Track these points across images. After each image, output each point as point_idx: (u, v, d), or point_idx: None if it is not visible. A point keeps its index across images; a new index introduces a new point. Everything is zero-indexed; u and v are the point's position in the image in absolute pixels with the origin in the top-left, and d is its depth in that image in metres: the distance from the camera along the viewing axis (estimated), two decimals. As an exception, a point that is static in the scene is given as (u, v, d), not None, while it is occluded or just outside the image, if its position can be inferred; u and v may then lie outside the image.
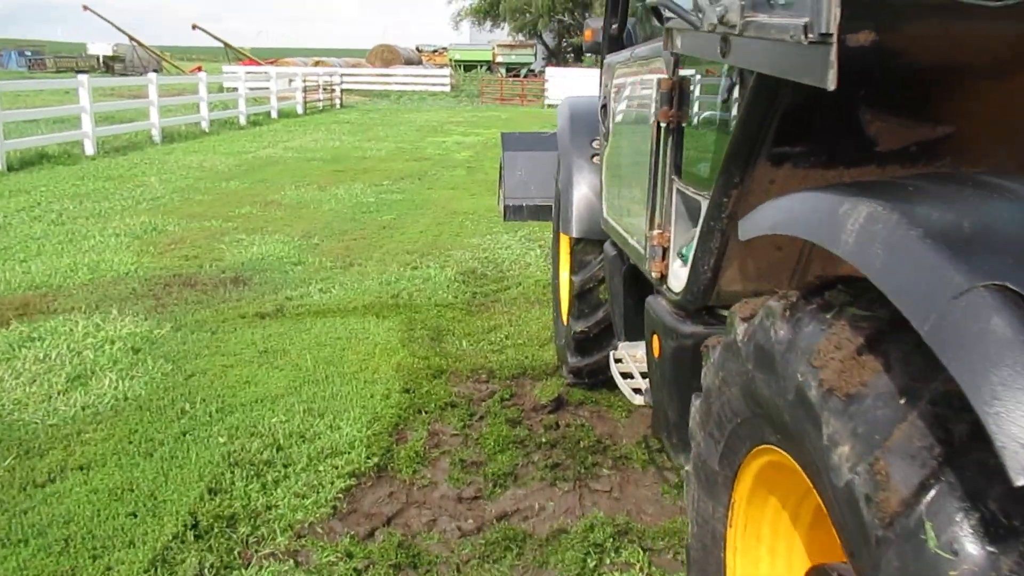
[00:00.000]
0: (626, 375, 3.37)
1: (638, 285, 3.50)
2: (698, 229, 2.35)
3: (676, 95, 2.51)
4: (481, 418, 4.24)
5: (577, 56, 51.82)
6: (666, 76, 2.53)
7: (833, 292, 1.56)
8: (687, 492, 2.26)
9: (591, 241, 4.09)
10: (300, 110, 26.44)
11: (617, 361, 3.51)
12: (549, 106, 33.42)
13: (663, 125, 2.57)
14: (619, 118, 3.39)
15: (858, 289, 1.56)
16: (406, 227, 9.00)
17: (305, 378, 4.62)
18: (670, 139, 2.57)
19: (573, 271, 4.21)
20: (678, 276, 2.58)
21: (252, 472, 3.59)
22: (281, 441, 3.87)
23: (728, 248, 2.28)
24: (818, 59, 1.35)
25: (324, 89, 30.13)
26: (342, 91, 31.73)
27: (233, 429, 3.99)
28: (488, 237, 8.46)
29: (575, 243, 4.14)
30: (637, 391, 3.18)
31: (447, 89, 38.90)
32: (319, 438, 3.91)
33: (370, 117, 25.97)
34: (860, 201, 1.36)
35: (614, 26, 3.71)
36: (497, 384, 4.67)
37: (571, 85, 34.79)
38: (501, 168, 9.78)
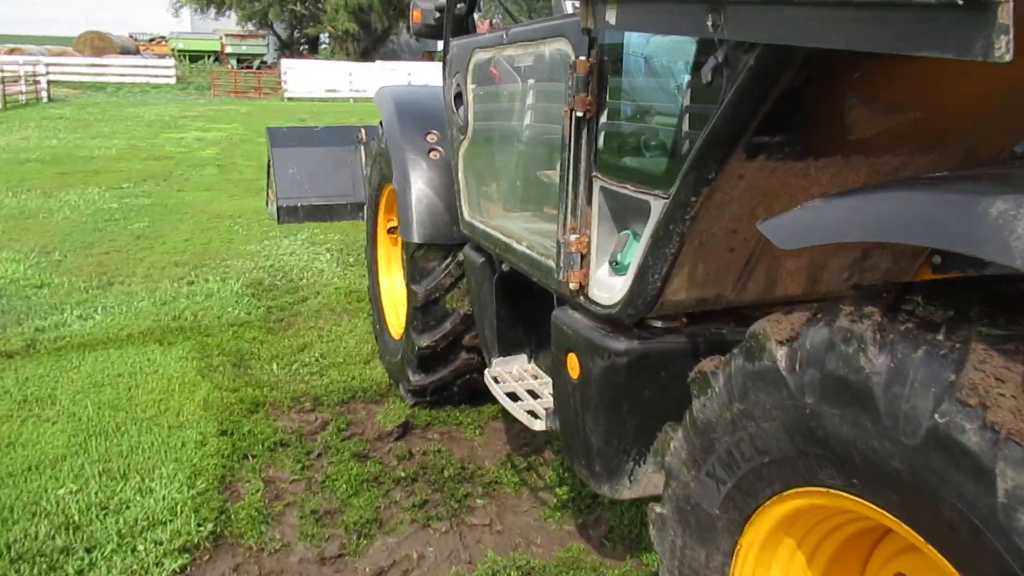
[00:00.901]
0: (512, 396, 3.00)
1: (514, 295, 3.15)
2: (648, 232, 2.03)
3: (594, 80, 2.18)
4: (320, 455, 3.67)
5: (312, 48, 50.09)
6: (583, 59, 2.19)
7: (919, 306, 1.32)
8: (659, 537, 1.95)
9: (436, 247, 3.68)
10: (-1, 105, 23.07)
11: (495, 381, 3.13)
12: (289, 99, 31.97)
13: (579, 115, 2.23)
14: (487, 108, 3.01)
15: (944, 299, 1.33)
16: (166, 235, 7.94)
17: (90, 430, 3.76)
18: (588, 131, 2.23)
19: (413, 279, 3.77)
20: (607, 286, 2.26)
21: (45, 566, 2.80)
22: (77, 517, 3.07)
23: (683, 253, 2.00)
24: (974, 22, 1.07)
25: (26, 81, 26.52)
26: (48, 83, 28.14)
27: (5, 510, 3.11)
28: (266, 243, 7.68)
29: (416, 249, 3.70)
30: (533, 414, 2.83)
31: (172, 81, 35.94)
32: (128, 507, 3.15)
33: (88, 112, 23.21)
34: (998, 199, 1.12)
35: (461, 6, 3.31)
36: (327, 412, 4.11)
37: (311, 78, 33.65)
38: (269, 166, 8.94)
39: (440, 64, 3.46)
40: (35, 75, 27.52)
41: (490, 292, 3.14)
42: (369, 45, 45.10)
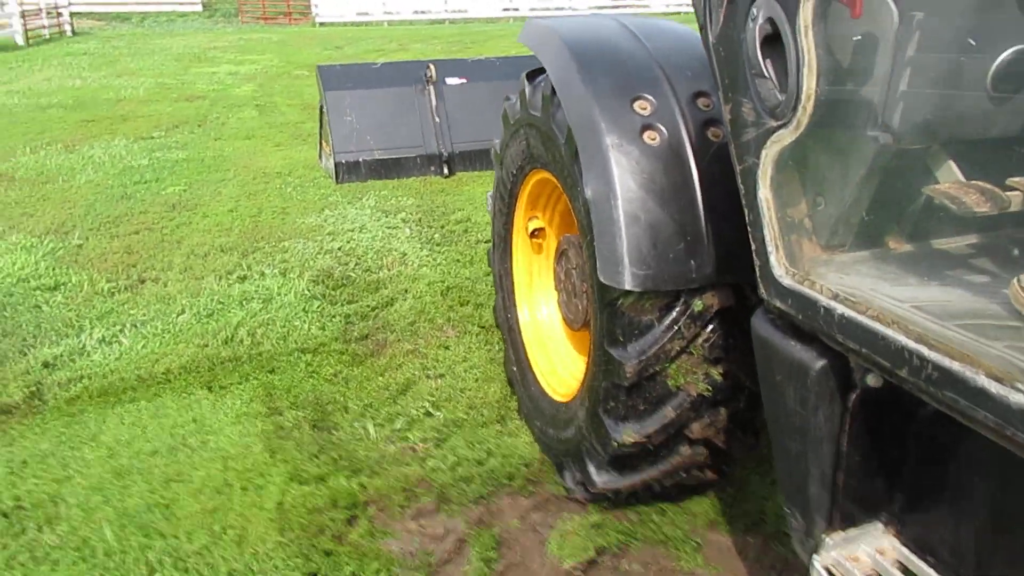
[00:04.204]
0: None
1: (885, 429, 1.69)
2: None
3: None
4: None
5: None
6: None
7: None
8: None
9: (657, 294, 2.22)
10: (20, 40, 21.61)
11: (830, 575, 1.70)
12: (322, 24, 30.01)
13: None
14: (872, 67, 1.52)
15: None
16: (206, 204, 6.54)
17: (113, 567, 2.44)
18: None
19: (615, 341, 2.32)
20: None
21: None
22: None
23: None
24: None
25: (48, 14, 24.96)
26: (71, 15, 26.57)
27: None
28: (327, 213, 6.24)
29: (623, 296, 2.25)
30: None
31: (199, 8, 34.12)
32: None
33: (113, 46, 21.67)
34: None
35: None
36: (460, 519, 2.74)
37: (343, 1, 31.55)
38: (323, 113, 7.41)
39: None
40: (56, 6, 25.92)
41: (833, 420, 1.68)
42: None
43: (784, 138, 1.60)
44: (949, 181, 1.70)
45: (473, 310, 4.37)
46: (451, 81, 7.49)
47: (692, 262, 2.17)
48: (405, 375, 3.69)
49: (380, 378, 3.67)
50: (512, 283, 3.28)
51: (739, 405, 2.40)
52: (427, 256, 5.22)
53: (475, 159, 7.35)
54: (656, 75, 2.32)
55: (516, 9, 32.55)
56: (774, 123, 1.62)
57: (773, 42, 1.60)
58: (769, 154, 1.65)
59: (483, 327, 4.13)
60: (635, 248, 2.15)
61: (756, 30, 1.62)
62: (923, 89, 1.60)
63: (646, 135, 2.22)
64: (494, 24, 29.45)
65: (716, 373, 2.32)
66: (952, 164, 1.69)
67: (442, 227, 5.83)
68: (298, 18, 32.78)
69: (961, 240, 1.75)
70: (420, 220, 6.00)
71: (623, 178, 2.17)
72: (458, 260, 5.12)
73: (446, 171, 7.30)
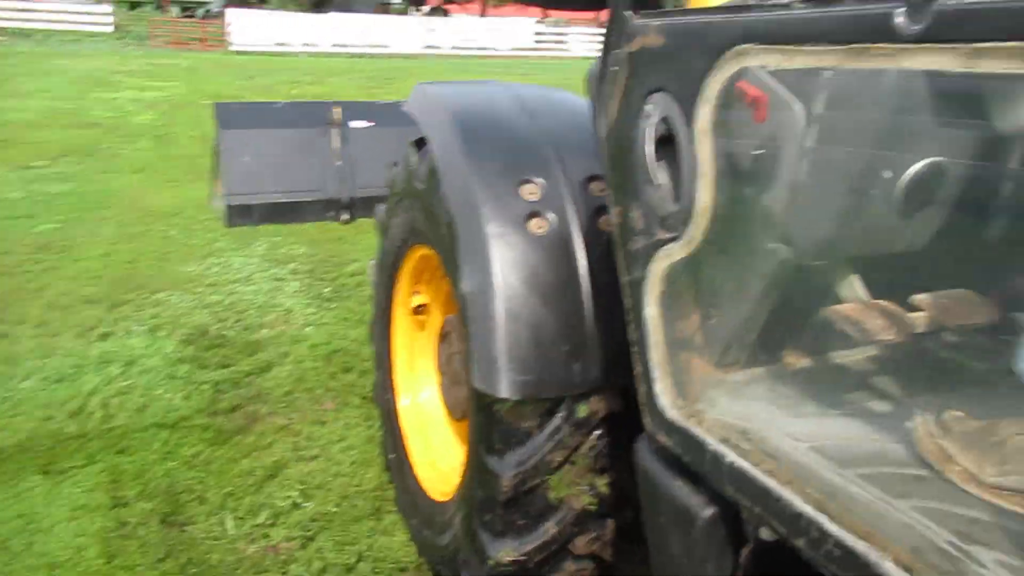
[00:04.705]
0: None
1: None
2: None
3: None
4: None
5: (261, -2, 46.63)
6: None
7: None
8: None
9: (542, 399, 1.98)
10: (-96, 53, 20.31)
11: None
12: (236, 52, 29.29)
13: None
14: (777, 182, 1.32)
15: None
16: (79, 246, 6.03)
17: None
18: None
19: (492, 450, 2.06)
20: None
21: None
22: None
23: None
24: None
25: (-61, 25, 23.63)
26: (-35, 28, 25.24)
27: None
28: (212, 260, 5.83)
29: (496, 403, 2.00)
30: None
31: (109, 29, 32.93)
32: None
33: (9, 64, 20.53)
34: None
35: None
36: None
37: (260, 29, 30.92)
38: (217, 152, 7.03)
39: (597, 67, 1.71)
40: (-51, 19, 24.57)
41: (723, 574, 1.45)
42: (322, -4, 42.19)
43: (675, 253, 1.38)
44: (852, 298, 1.52)
45: (357, 378, 4.05)
46: (356, 124, 7.20)
47: (576, 365, 1.94)
48: (275, 456, 3.34)
49: (246, 460, 3.31)
50: (391, 363, 2.99)
51: (627, 516, 2.16)
52: (313, 314, 4.89)
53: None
54: (547, 155, 2.09)
55: (437, 47, 32.56)
56: (665, 235, 1.41)
57: (668, 145, 1.39)
58: (658, 268, 1.43)
59: (365, 398, 3.81)
60: (514, 351, 1.90)
61: (650, 130, 1.41)
62: (828, 201, 1.41)
63: (532, 223, 1.98)
64: (414, 60, 29.32)
65: (602, 484, 2.08)
66: (855, 280, 1.51)
67: (334, 280, 5.50)
68: (213, 44, 31.94)
69: (863, 361, 1.57)
70: (311, 271, 5.66)
71: (504, 272, 1.93)
72: (347, 319, 4.80)
73: (346, 217, 6.97)
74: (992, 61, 0.87)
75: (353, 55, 30.28)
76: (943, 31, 0.91)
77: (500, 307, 1.90)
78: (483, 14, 32.28)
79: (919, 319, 1.40)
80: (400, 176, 2.67)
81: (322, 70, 22.99)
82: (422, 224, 2.48)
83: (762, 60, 1.17)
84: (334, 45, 30.77)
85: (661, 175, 1.40)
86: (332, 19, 31.79)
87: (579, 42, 33.63)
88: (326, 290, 5.31)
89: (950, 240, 1.43)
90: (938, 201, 1.40)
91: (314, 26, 31.08)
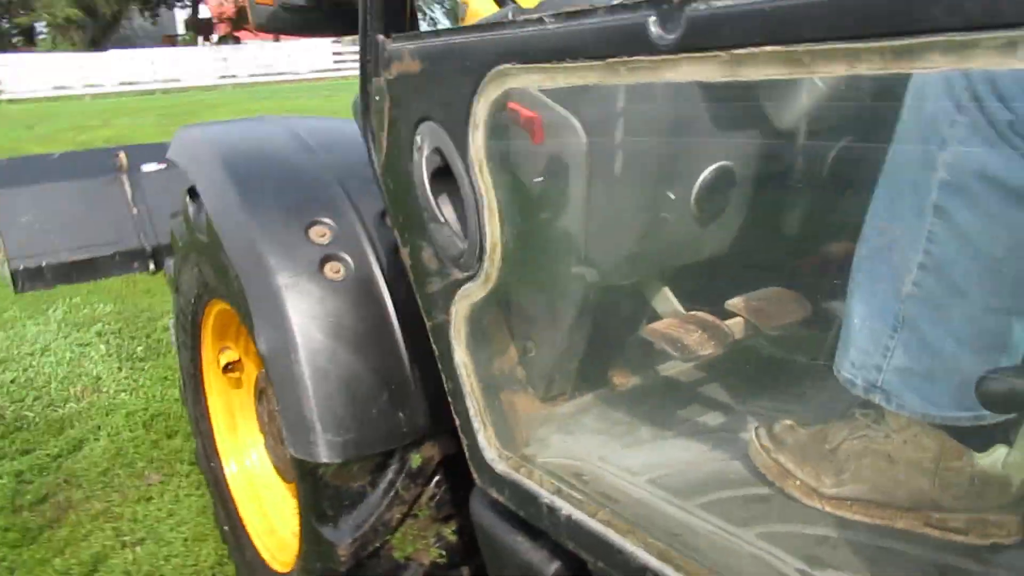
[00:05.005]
0: None
1: None
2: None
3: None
4: None
5: (28, 39, 42.83)
6: None
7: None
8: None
9: (369, 458, 1.83)
10: None
11: None
12: (9, 101, 26.74)
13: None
14: (564, 209, 1.22)
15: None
16: None
17: None
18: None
19: (324, 519, 1.90)
20: None
21: None
22: None
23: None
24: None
25: None
26: None
27: None
28: (1, 335, 5.25)
29: (319, 468, 1.84)
30: None
31: None
32: None
33: None
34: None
35: None
36: None
37: (33, 74, 28.44)
38: (-8, 215, 6.39)
39: (357, 96, 1.56)
40: None
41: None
42: (98, 33, 39.52)
43: (474, 293, 1.28)
44: (667, 311, 1.47)
45: (183, 442, 3.73)
46: (147, 168, 6.70)
47: (400, 414, 1.80)
48: (94, 548, 3.00)
49: (59, 559, 2.95)
50: (210, 427, 2.74)
51: (481, 560, 2.06)
52: (127, 378, 4.48)
53: (186, 249, 6.59)
54: (334, 193, 1.94)
55: (234, 76, 31.21)
56: (460, 274, 1.29)
57: (446, 177, 1.28)
58: (460, 310, 1.32)
59: (194, 464, 3.51)
60: (327, 411, 1.74)
61: (423, 163, 1.29)
62: (625, 216, 1.35)
63: (327, 268, 1.83)
64: (210, 92, 27.97)
65: (449, 532, 1.97)
66: (668, 293, 1.46)
67: (147, 336, 5.09)
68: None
69: (689, 375, 1.53)
70: (120, 331, 5.21)
71: (303, 325, 1.76)
72: (165, 379, 4.44)
73: (152, 267, 6.48)
74: (752, 68, 0.80)
75: (143, 92, 28.49)
76: (699, 39, 0.84)
77: (304, 365, 1.74)
78: (277, 39, 31.24)
79: (736, 326, 1.37)
80: (181, 228, 2.43)
81: (110, 111, 21.50)
82: (213, 278, 2.26)
83: (525, 80, 1.08)
84: (121, 84, 28.85)
85: (445, 210, 1.28)
86: (113, 56, 29.90)
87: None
88: (139, 349, 4.90)
89: (751, 241, 1.41)
90: (732, 204, 1.37)
91: (95, 65, 29.06)
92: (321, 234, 1.86)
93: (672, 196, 1.32)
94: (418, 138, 1.29)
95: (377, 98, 1.39)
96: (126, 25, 43.23)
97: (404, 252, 1.44)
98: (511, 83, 1.11)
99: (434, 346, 1.41)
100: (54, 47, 37.97)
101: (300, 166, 2.00)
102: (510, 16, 1.21)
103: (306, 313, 1.77)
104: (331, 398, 1.74)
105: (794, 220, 1.38)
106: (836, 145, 1.28)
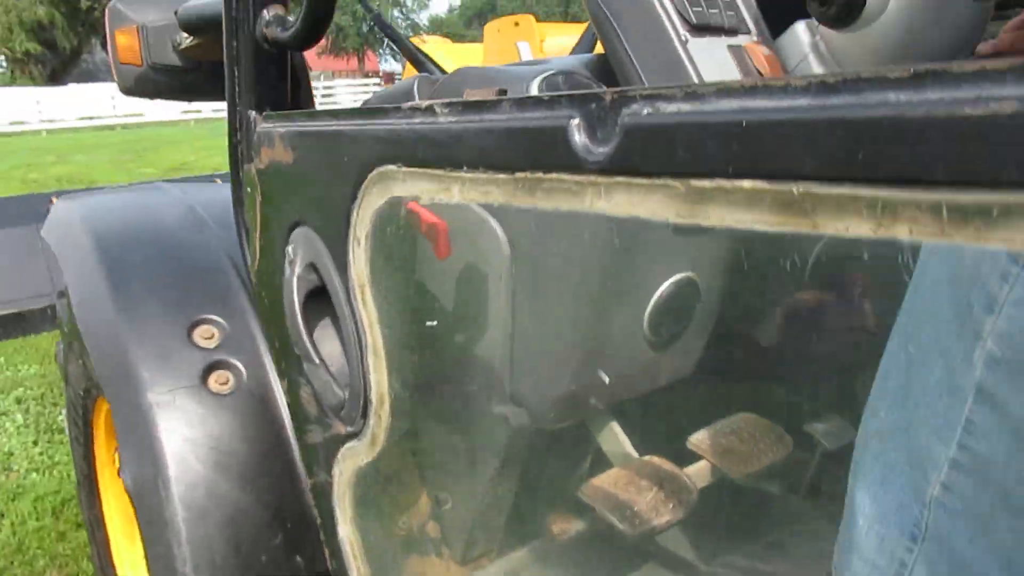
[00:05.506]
0: None
1: None
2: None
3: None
4: None
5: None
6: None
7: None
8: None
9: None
10: None
11: None
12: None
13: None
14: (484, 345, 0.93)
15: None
16: None
17: None
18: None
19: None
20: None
21: None
22: None
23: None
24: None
25: None
26: None
27: None
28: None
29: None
30: None
31: None
32: None
33: None
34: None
35: (277, 13, 1.14)
36: None
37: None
38: (-91, 269, 5.97)
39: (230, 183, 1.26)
40: None
41: None
42: (58, 66, 39.02)
43: (360, 454, 0.97)
44: (615, 452, 1.17)
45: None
46: (82, 215, 6.32)
47: (299, 558, 1.48)
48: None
49: None
50: (106, 536, 2.39)
51: None
52: (41, 453, 4.08)
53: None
54: (228, 283, 1.63)
55: (199, 111, 30.77)
56: (343, 428, 0.99)
57: (325, 301, 0.97)
58: (344, 471, 1.01)
59: (104, 562, 3.12)
60: (205, 560, 1.41)
61: (295, 282, 0.98)
62: (565, 345, 1.06)
63: (213, 379, 1.51)
64: (173, 127, 27.55)
65: None
66: (616, 429, 1.17)
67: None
68: (-62, 129, 28.47)
69: (642, 529, 1.23)
70: (41, 397, 4.80)
71: (178, 454, 1.44)
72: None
73: (85, 323, 6.08)
74: (720, 210, 0.52)
75: (102, 127, 27.94)
76: (642, 157, 0.56)
77: (178, 504, 1.41)
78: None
79: (698, 474, 1.08)
80: (64, 313, 2.10)
81: (66, 147, 20.97)
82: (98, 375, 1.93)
83: (412, 188, 0.78)
84: (80, 119, 28.29)
85: (322, 346, 0.98)
86: (73, 91, 29.40)
87: (346, 92, 32.99)
88: (59, 419, 4.49)
89: (718, 371, 1.12)
90: (694, 326, 1.09)
91: (54, 100, 28.51)
92: (207, 335, 1.54)
93: (622, 319, 1.03)
94: (290, 248, 0.99)
95: (248, 189, 1.10)
96: (88, 59, 42.67)
97: (281, 383, 1.14)
98: (397, 190, 0.82)
99: (315, 510, 1.11)
100: (13, 81, 37.39)
101: (189, 249, 1.69)
102: (408, 101, 0.93)
103: (182, 437, 1.45)
104: (211, 546, 1.41)
105: (774, 344, 1.11)
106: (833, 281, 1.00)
